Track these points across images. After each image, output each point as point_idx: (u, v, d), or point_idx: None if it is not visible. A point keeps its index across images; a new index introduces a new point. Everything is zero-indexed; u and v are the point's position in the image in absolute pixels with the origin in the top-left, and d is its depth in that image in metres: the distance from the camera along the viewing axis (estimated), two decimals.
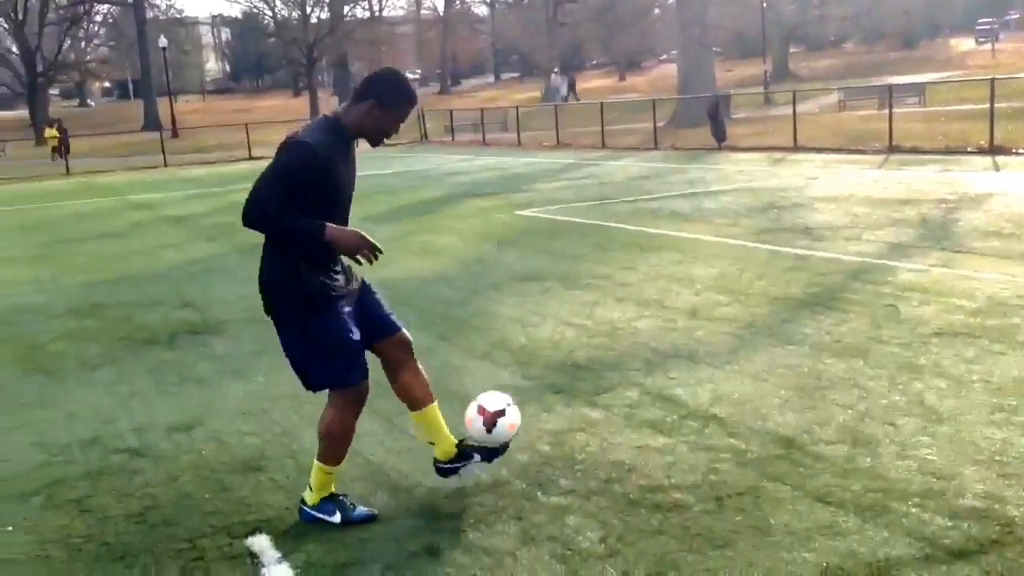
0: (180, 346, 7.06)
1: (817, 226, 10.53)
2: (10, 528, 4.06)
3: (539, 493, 4.03)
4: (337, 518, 3.87)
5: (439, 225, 13.01)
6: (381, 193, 17.73)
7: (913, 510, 3.64)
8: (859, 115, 28.83)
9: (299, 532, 3.84)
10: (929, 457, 4.12)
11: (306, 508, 3.93)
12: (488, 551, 3.56)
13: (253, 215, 3.57)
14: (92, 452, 4.92)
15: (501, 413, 4.03)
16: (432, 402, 4.06)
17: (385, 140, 3.85)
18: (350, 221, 3.84)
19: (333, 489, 3.95)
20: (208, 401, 5.66)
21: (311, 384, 3.87)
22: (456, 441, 4.07)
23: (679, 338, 6.32)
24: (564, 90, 54.32)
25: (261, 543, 3.77)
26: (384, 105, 3.71)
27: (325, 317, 3.70)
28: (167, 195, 21.22)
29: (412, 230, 12.60)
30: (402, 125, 3.86)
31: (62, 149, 36.28)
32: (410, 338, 4.02)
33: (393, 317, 3.99)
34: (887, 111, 20.68)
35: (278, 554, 3.67)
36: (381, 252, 3.66)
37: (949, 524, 3.51)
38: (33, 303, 9.19)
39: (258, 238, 3.76)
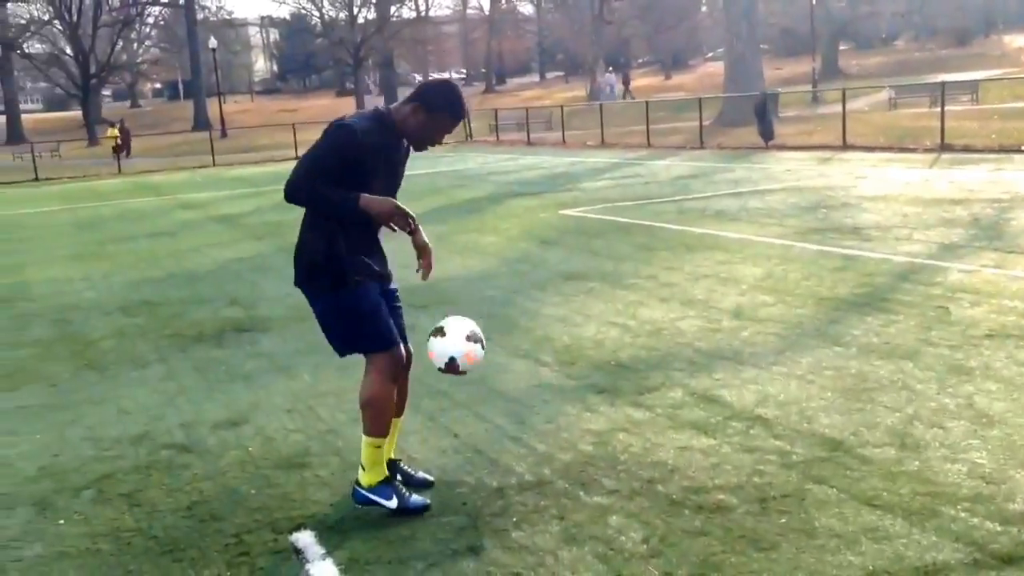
0: (227, 344, 7.16)
1: (866, 226, 10.39)
2: (62, 522, 4.15)
3: (582, 493, 4.03)
4: (394, 503, 3.91)
5: (484, 224, 13.04)
6: (427, 192, 17.82)
7: (962, 514, 3.58)
8: (910, 113, 28.40)
9: (343, 528, 3.87)
10: (979, 461, 4.05)
11: (361, 489, 3.96)
12: (530, 550, 3.57)
13: (293, 188, 3.76)
14: (141, 447, 5.01)
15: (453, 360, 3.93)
16: (399, 416, 4.20)
17: (429, 147, 3.95)
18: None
19: (386, 472, 3.97)
20: (254, 398, 5.73)
21: (343, 349, 4.01)
22: (392, 458, 4.15)
23: (724, 338, 6.28)
24: (619, 86, 54.06)
25: (306, 539, 3.79)
26: (429, 110, 3.82)
27: (357, 289, 3.85)
28: (216, 194, 21.51)
29: (457, 229, 12.65)
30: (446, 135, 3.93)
31: (123, 148, 37.08)
32: (410, 355, 4.13)
33: (402, 330, 4.09)
34: (939, 109, 20.34)
35: (322, 550, 3.69)
36: (414, 220, 3.80)
37: (999, 529, 3.45)
38: (85, 300, 9.37)
39: None
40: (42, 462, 4.88)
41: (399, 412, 4.20)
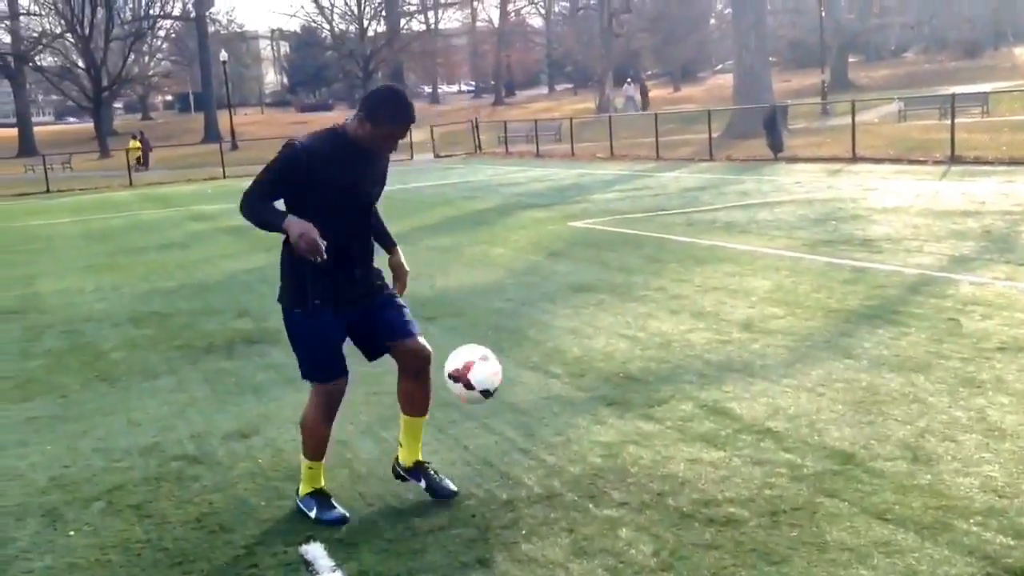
0: (237, 355, 7.17)
1: (876, 238, 10.37)
2: (72, 533, 4.16)
3: (591, 505, 4.02)
4: (313, 514, 4.07)
5: (493, 236, 13.05)
6: (436, 204, 17.86)
7: (975, 528, 3.56)
8: (920, 125, 28.35)
9: (352, 541, 3.87)
10: (991, 474, 4.03)
11: (298, 499, 4.19)
12: (540, 563, 3.56)
13: (241, 207, 3.86)
14: (152, 459, 5.02)
15: (468, 368, 4.08)
16: (423, 417, 4.23)
17: (386, 154, 4.00)
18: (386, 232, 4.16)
19: (321, 484, 4.16)
20: (264, 410, 5.74)
21: (302, 373, 4.13)
22: (419, 458, 4.24)
23: (734, 351, 6.26)
24: (637, 97, 54.03)
25: (315, 551, 3.81)
26: (371, 120, 3.83)
27: (314, 314, 3.92)
28: (226, 206, 21.57)
29: (466, 241, 12.66)
30: (398, 142, 3.94)
31: (143, 160, 37.42)
32: (426, 350, 4.11)
33: (410, 325, 4.10)
34: (949, 121, 20.30)
35: (332, 563, 3.70)
36: (321, 259, 3.68)
37: (1012, 543, 3.43)
38: (96, 311, 9.40)
39: None
40: (52, 473, 4.90)
41: (421, 411, 4.21)
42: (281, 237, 3.84)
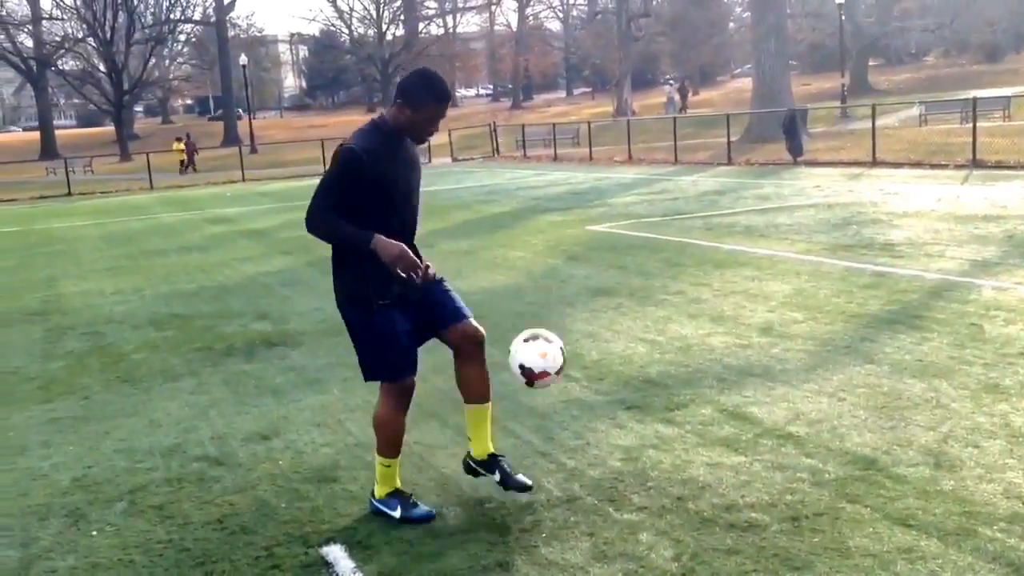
0: (257, 358, 7.20)
1: (897, 242, 10.31)
2: (95, 533, 4.18)
3: (611, 509, 4.01)
4: (397, 513, 4.02)
5: (511, 239, 13.06)
6: (454, 207, 17.88)
7: (999, 535, 3.53)
8: (941, 129, 28.16)
9: (373, 543, 3.88)
10: (1015, 480, 3.99)
11: (373, 500, 4.13)
12: (560, 566, 3.56)
13: (310, 224, 3.84)
14: (173, 460, 5.05)
15: (543, 376, 4.10)
16: (486, 403, 4.13)
17: (428, 137, 3.99)
18: (419, 223, 4.08)
19: (399, 485, 4.11)
20: (284, 412, 5.76)
21: (364, 373, 4.08)
22: (492, 450, 4.16)
23: (753, 355, 6.24)
24: (677, 98, 53.86)
25: (335, 553, 3.82)
26: (412, 105, 3.84)
27: (373, 314, 3.90)
28: (245, 209, 21.70)
29: (484, 244, 12.67)
30: (438, 124, 3.96)
31: (189, 162, 37.79)
32: (480, 332, 4.08)
33: (464, 309, 4.08)
34: (970, 125, 20.16)
35: (352, 564, 3.71)
36: (423, 270, 3.78)
37: None
38: (117, 313, 9.47)
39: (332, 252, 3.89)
40: (75, 473, 4.93)
41: (483, 399, 4.11)
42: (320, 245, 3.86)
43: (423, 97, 3.82)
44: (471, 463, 4.20)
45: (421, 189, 4.11)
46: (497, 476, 4.09)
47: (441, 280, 4.09)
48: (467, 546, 3.78)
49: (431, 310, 4.03)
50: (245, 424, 5.57)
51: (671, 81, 57.01)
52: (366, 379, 4.10)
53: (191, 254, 13.99)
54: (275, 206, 21.90)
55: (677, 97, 53.98)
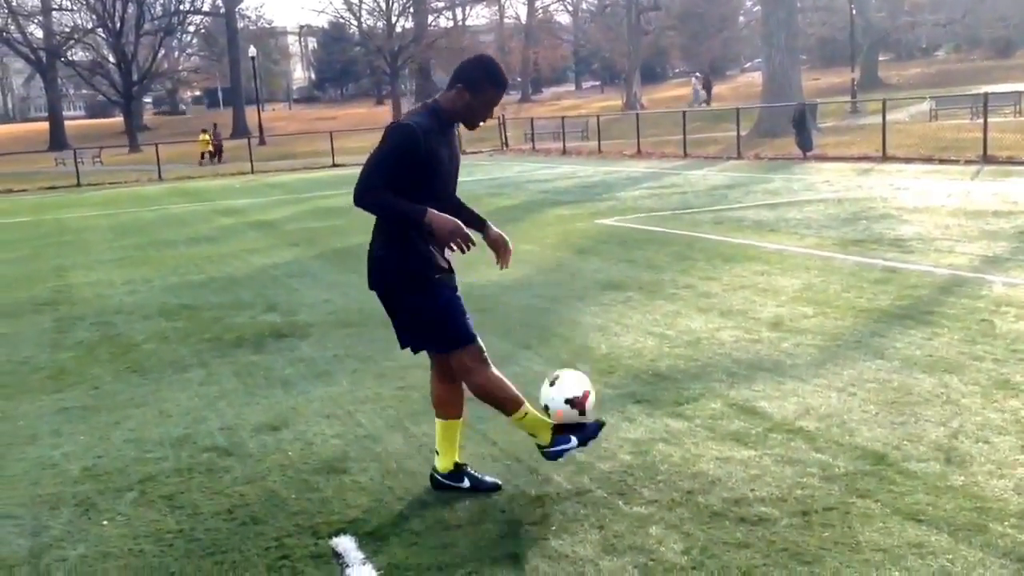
0: (266, 349, 7.21)
1: (907, 238, 10.27)
2: (105, 523, 4.20)
3: (621, 502, 4.01)
4: (573, 443, 4.04)
5: (520, 232, 13.03)
6: (463, 200, 17.84)
7: (1010, 531, 3.52)
8: (951, 124, 28.06)
9: (383, 534, 3.88)
10: None
11: (549, 449, 4.07)
12: (570, 559, 3.56)
13: (363, 197, 3.81)
14: (183, 450, 5.06)
15: (586, 397, 4.09)
16: (458, 418, 4.24)
17: (481, 123, 4.06)
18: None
19: (550, 422, 4.06)
20: (294, 403, 5.77)
21: (440, 348, 4.06)
22: (459, 461, 4.24)
23: (763, 349, 6.23)
24: (702, 91, 53.61)
25: (345, 544, 3.82)
26: (472, 89, 3.93)
27: (436, 289, 3.96)
28: (254, 201, 21.72)
29: None
30: (494, 109, 4.08)
31: (216, 153, 37.90)
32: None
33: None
34: (981, 120, 20.08)
35: (362, 555, 3.72)
36: (474, 244, 3.88)
37: None
38: (127, 304, 9.49)
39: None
40: (85, 463, 4.95)
41: (460, 413, 4.23)
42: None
43: (484, 83, 3.92)
44: (440, 477, 4.25)
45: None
46: (467, 484, 4.17)
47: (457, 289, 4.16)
48: (476, 538, 3.79)
49: None
50: (254, 415, 5.58)
51: (697, 74, 56.61)
52: (446, 350, 4.02)
53: (200, 245, 14.01)
54: (284, 198, 21.92)
55: (702, 90, 53.67)
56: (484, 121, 4.07)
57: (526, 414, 4.06)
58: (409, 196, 3.83)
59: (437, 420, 4.28)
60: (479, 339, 4.05)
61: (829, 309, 7.20)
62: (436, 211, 3.81)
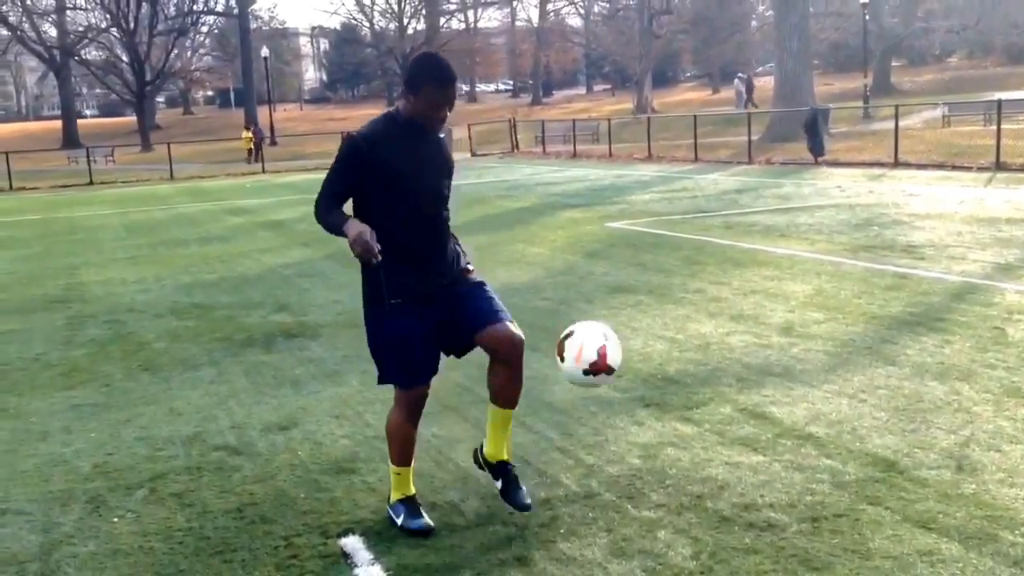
0: (277, 348, 7.23)
1: (919, 244, 10.24)
2: (115, 520, 4.21)
3: (629, 506, 4.01)
4: (400, 520, 3.92)
5: (529, 235, 13.04)
6: (473, 203, 17.87)
7: (1020, 540, 3.51)
8: (964, 131, 27.94)
9: (391, 535, 3.89)
10: None
11: (389, 506, 4.05)
12: (578, 562, 3.56)
13: (315, 213, 3.80)
14: (193, 448, 5.08)
15: (604, 356, 3.79)
16: (510, 409, 3.96)
17: (437, 123, 3.78)
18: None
19: (411, 492, 3.99)
20: (303, 403, 5.78)
21: (377, 375, 3.98)
22: (505, 457, 3.99)
23: (773, 355, 6.22)
24: (744, 91, 53.29)
25: (354, 544, 3.83)
26: (412, 91, 3.71)
27: (384, 315, 3.80)
28: (265, 200, 21.78)
29: (502, 240, 12.67)
30: (447, 111, 3.76)
31: (257, 151, 38.09)
32: (517, 336, 3.86)
33: (500, 312, 3.88)
34: (994, 127, 19.99)
35: (370, 555, 3.72)
36: (376, 260, 3.58)
37: None
38: (138, 302, 9.52)
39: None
40: (96, 460, 4.97)
41: (512, 403, 3.93)
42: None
43: (422, 82, 3.67)
44: (481, 458, 4.08)
45: (452, 187, 3.97)
46: (500, 485, 3.97)
47: (481, 283, 3.96)
48: (485, 540, 3.79)
49: (465, 315, 3.85)
50: (264, 414, 5.59)
51: (740, 75, 56.20)
52: (378, 382, 3.97)
53: (211, 244, 14.05)
54: (294, 198, 21.95)
55: (744, 90, 53.33)
56: (438, 121, 3.76)
57: (399, 473, 3.97)
58: (369, 207, 3.74)
59: (489, 404, 4.03)
60: (419, 387, 3.87)
61: (840, 315, 7.19)
62: (356, 221, 3.63)
